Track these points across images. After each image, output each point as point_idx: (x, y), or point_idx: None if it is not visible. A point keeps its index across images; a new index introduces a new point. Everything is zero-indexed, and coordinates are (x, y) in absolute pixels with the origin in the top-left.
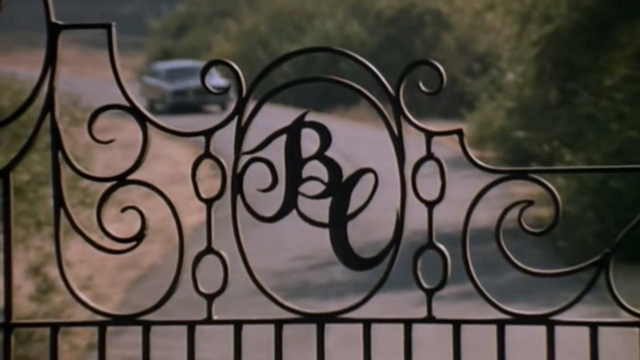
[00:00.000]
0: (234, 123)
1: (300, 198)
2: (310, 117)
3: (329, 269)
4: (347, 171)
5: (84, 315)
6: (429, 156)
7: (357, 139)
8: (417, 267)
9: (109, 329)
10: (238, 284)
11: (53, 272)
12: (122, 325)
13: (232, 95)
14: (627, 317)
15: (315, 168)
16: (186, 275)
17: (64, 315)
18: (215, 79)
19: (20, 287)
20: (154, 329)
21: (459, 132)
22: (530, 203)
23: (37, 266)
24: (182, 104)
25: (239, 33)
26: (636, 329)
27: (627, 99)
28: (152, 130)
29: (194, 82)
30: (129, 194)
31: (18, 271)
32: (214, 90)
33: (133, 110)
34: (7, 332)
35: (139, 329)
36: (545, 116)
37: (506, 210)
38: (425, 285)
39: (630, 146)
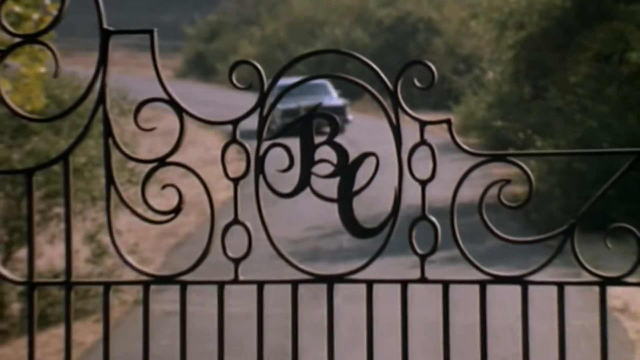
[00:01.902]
0: (256, 114)
1: (313, 177)
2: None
3: (337, 237)
4: (352, 155)
5: (131, 275)
6: (422, 142)
7: (361, 128)
8: (412, 235)
9: (152, 287)
10: (260, 250)
11: (105, 239)
12: (163, 284)
13: (350, 117)
14: (588, 278)
15: (326, 152)
16: (216, 242)
17: (115, 275)
18: (333, 99)
19: (79, 251)
20: (190, 287)
21: (448, 122)
22: (507, 182)
23: (92, 234)
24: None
25: (261, 38)
26: (596, 288)
27: (589, 94)
28: (187, 119)
29: (307, 100)
30: (168, 174)
31: (76, 238)
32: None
33: (171, 102)
34: (67, 289)
35: (177, 288)
36: (520, 109)
37: (487, 188)
38: (418, 251)
39: (591, 134)
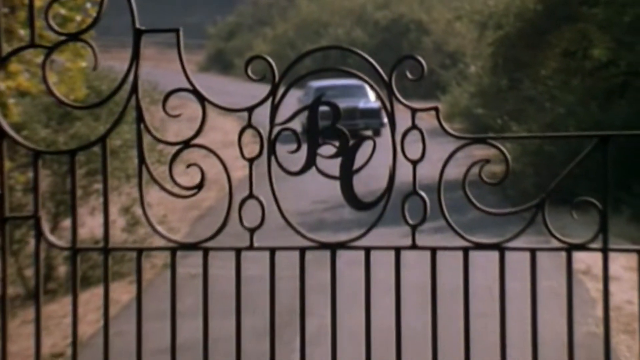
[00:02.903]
0: (268, 103)
1: (318, 158)
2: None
3: (339, 210)
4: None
5: (160, 242)
6: (414, 127)
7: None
8: (404, 208)
9: (178, 253)
10: (272, 221)
11: (138, 211)
12: (188, 250)
13: (386, 120)
14: (556, 244)
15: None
16: (234, 214)
17: (146, 242)
18: (370, 102)
19: (115, 222)
20: (211, 253)
21: (436, 109)
22: (487, 162)
23: (127, 207)
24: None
25: (273, 37)
26: (563, 253)
27: (557, 85)
28: (208, 107)
29: (344, 103)
30: (192, 155)
31: (113, 210)
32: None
33: (195, 92)
34: (105, 254)
35: (199, 253)
36: (497, 98)
37: (469, 167)
38: (410, 221)
39: (559, 120)
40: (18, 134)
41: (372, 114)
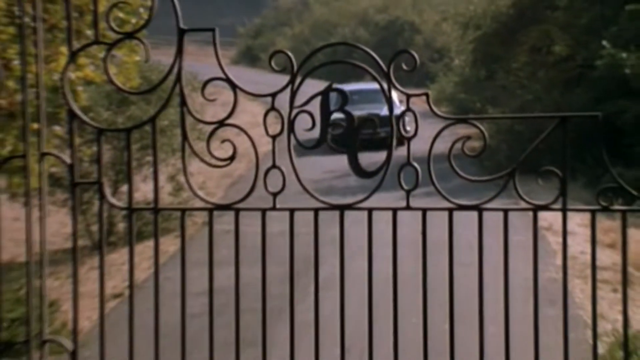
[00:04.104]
0: (288, 90)
1: (329, 135)
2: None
3: (346, 178)
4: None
5: (200, 204)
6: (408, 109)
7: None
8: (400, 176)
9: (214, 212)
10: (291, 187)
11: (182, 179)
12: (222, 210)
13: (409, 128)
14: (525, 206)
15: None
16: (260, 181)
17: (189, 204)
18: (395, 107)
19: (163, 187)
20: (241, 213)
21: (426, 95)
22: (468, 138)
23: (172, 175)
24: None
25: (292, 35)
26: (530, 213)
27: (526, 76)
28: (239, 94)
29: (367, 109)
30: (225, 133)
31: (161, 178)
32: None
33: (228, 81)
34: (155, 213)
35: (232, 213)
36: (477, 86)
37: (454, 143)
38: (405, 187)
39: (527, 104)
40: (85, 115)
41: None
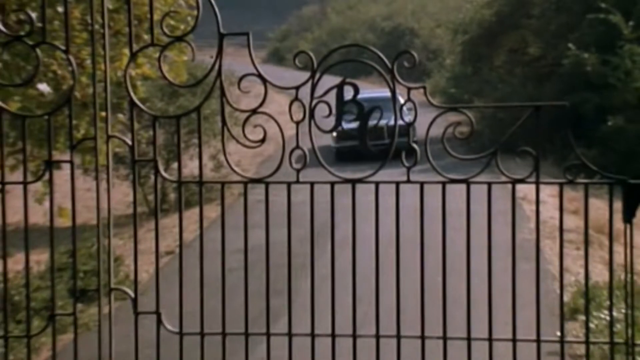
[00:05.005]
0: (309, 83)
1: (343, 122)
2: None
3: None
4: (366, 107)
5: (236, 178)
6: (409, 100)
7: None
8: (402, 155)
9: (249, 185)
10: (311, 164)
11: (221, 157)
12: (255, 183)
13: (416, 138)
14: (505, 179)
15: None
16: (285, 159)
17: (227, 178)
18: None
19: (206, 165)
20: (270, 186)
21: (424, 88)
22: (458, 124)
23: (214, 154)
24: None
25: (312, 39)
26: (509, 185)
27: (506, 72)
28: (269, 87)
29: (373, 119)
30: (257, 119)
31: (205, 157)
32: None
33: (259, 76)
34: (200, 186)
35: (263, 186)
36: (465, 81)
37: (446, 128)
38: (406, 164)
39: (507, 96)
40: (143, 105)
41: (401, 131)
